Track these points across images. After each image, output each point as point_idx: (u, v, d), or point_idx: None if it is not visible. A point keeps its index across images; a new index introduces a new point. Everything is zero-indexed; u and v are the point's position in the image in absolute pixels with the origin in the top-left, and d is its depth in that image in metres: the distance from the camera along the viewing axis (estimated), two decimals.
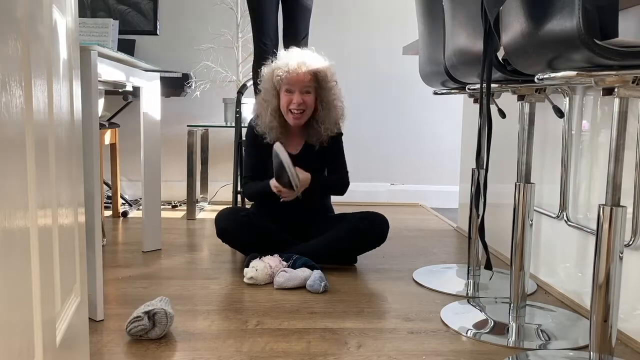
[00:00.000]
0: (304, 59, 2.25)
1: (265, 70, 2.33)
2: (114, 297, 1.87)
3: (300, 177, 2.18)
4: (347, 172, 2.41)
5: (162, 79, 2.61)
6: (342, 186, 2.38)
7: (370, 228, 2.27)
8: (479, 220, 1.51)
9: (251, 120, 2.42)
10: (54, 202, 0.92)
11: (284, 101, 2.26)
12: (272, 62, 2.31)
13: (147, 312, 1.51)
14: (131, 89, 2.79)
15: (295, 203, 2.24)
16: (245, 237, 2.24)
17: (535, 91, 1.60)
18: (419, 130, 3.96)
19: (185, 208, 3.33)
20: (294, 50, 2.31)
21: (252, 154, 2.41)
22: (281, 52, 2.34)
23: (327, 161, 2.39)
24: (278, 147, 2.14)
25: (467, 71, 1.63)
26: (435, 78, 1.95)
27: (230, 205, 2.83)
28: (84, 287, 1.20)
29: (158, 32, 3.63)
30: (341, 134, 2.39)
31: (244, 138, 2.93)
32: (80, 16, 2.10)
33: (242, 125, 2.94)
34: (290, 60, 2.24)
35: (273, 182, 2.20)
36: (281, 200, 2.22)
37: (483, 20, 1.38)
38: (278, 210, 2.30)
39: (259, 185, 2.31)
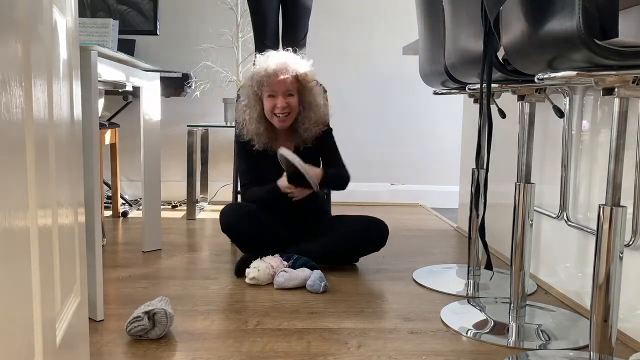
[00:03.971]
0: (284, 62, 2.23)
1: (244, 77, 2.32)
2: (114, 297, 1.87)
3: (311, 173, 2.17)
4: (345, 165, 2.39)
5: (162, 79, 2.61)
6: (346, 178, 2.36)
7: (371, 234, 2.26)
8: (479, 220, 1.51)
9: (235, 129, 2.40)
10: (54, 202, 0.92)
11: (268, 106, 2.25)
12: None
13: (147, 312, 1.51)
14: (131, 89, 2.79)
15: (296, 205, 2.24)
16: (249, 231, 2.23)
17: (535, 91, 1.60)
18: (419, 130, 3.96)
19: (185, 208, 3.33)
20: (273, 54, 2.30)
21: (245, 163, 2.38)
22: (259, 57, 2.33)
23: (323, 157, 2.39)
24: (285, 152, 2.13)
25: (467, 71, 1.63)
26: (435, 78, 1.95)
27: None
28: (84, 287, 1.20)
29: (158, 32, 3.62)
30: (330, 129, 2.39)
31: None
32: (80, 16, 2.10)
33: None
34: (270, 64, 2.22)
35: (283, 184, 2.19)
36: (293, 199, 2.22)
37: (483, 20, 1.38)
38: (279, 211, 2.30)
39: (262, 190, 2.29)
